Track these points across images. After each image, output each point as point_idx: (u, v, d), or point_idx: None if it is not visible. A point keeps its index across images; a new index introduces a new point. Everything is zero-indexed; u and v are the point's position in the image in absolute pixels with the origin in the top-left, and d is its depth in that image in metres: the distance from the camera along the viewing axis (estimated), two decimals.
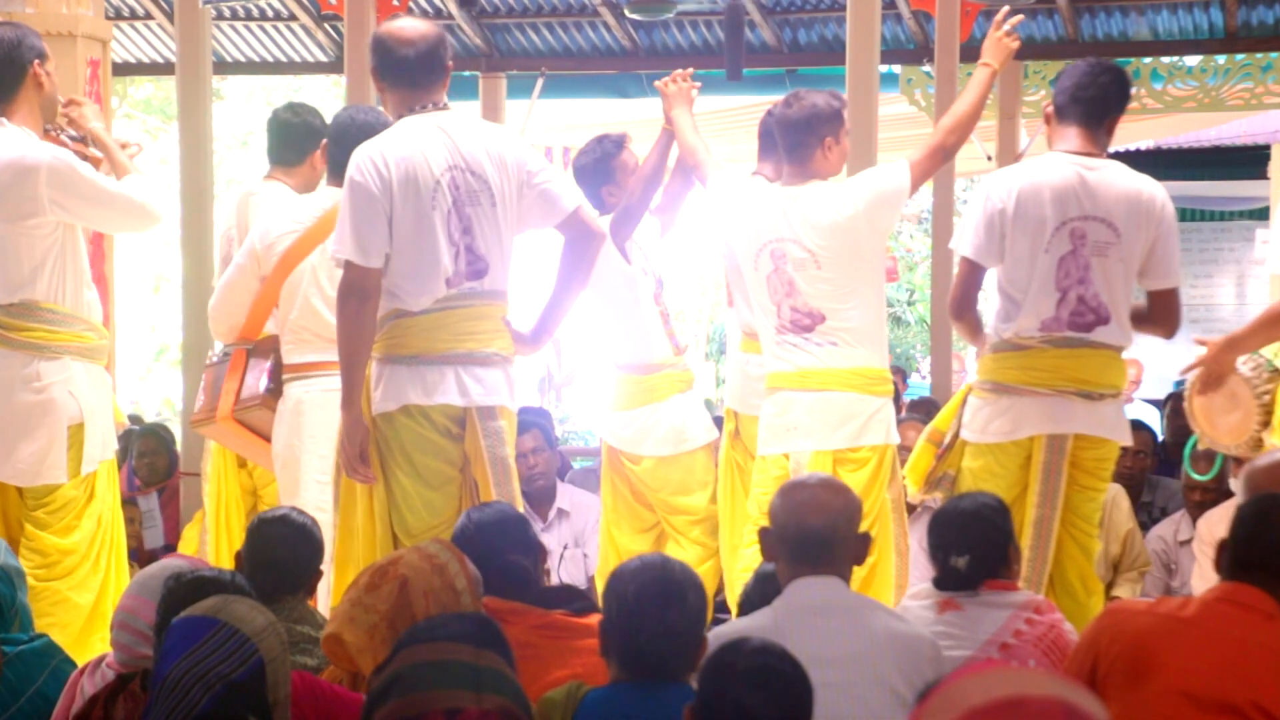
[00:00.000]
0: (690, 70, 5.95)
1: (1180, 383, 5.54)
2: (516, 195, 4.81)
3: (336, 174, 5.21)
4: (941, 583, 4.27)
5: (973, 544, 4.28)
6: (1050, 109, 5.13)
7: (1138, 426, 6.97)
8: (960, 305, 5.17)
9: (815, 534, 3.68)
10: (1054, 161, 5.04)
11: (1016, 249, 4.99)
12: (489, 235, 4.76)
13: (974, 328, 5.21)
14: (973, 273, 5.10)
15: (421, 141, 4.76)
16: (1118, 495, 6.82)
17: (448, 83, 4.89)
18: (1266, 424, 5.21)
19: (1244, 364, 5.27)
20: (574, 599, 3.99)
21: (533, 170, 4.84)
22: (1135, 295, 5.11)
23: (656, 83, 6.00)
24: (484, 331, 4.79)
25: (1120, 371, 5.05)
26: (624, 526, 6.08)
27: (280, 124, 5.99)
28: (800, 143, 5.35)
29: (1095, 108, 5.05)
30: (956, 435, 5.18)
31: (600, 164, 6.06)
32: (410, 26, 4.88)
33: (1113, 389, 5.01)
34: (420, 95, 4.81)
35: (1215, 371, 5.23)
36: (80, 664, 4.09)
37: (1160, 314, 5.10)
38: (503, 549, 4.01)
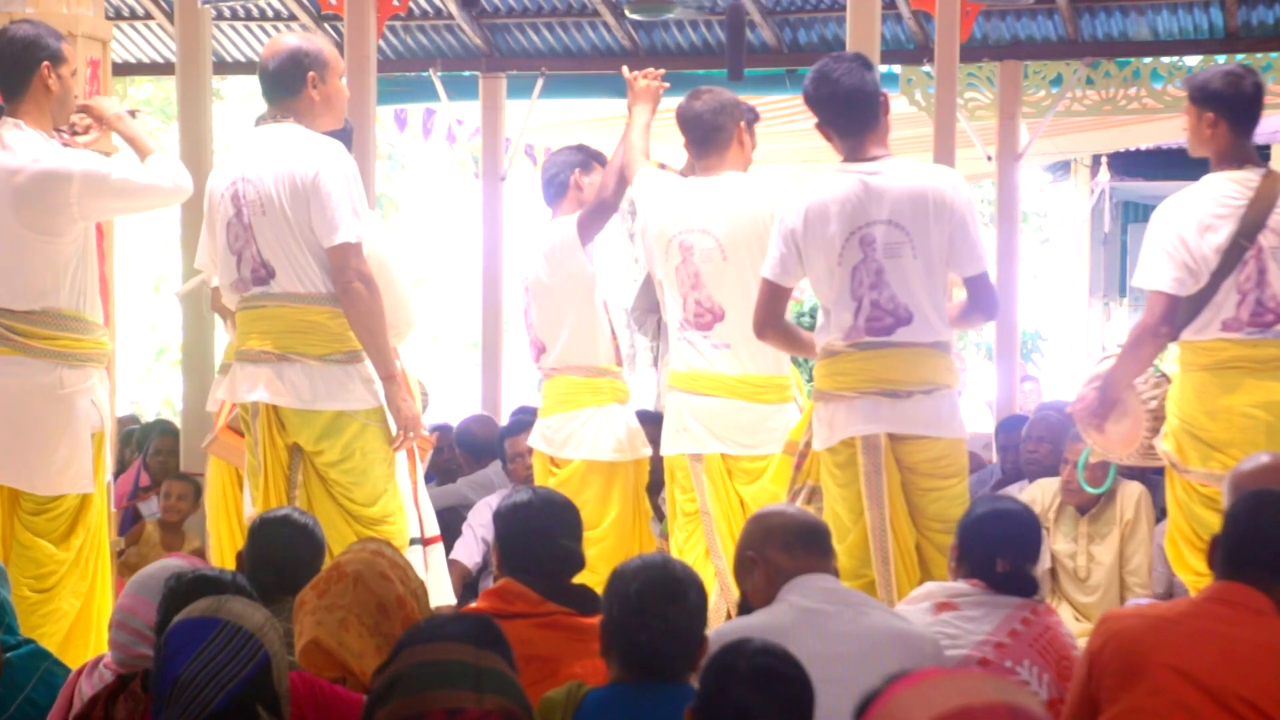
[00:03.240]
0: (662, 71, 5.95)
1: None
2: (304, 208, 4.95)
3: None
4: (1011, 588, 4.20)
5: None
6: (818, 124, 5.05)
7: None
8: (760, 325, 5.13)
9: (818, 529, 3.71)
10: (837, 175, 5.01)
11: (814, 267, 4.99)
12: (273, 243, 4.99)
13: (786, 342, 5.20)
14: (771, 292, 5.08)
15: (231, 155, 5.18)
16: (1142, 500, 6.75)
17: (302, 101, 5.09)
18: (1156, 430, 5.17)
19: None
20: (589, 600, 3.97)
21: (319, 192, 4.95)
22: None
23: (626, 74, 5.97)
24: (273, 332, 5.00)
25: (936, 367, 4.93)
26: None
27: None
28: (719, 127, 5.45)
29: (865, 112, 4.98)
30: (809, 445, 5.18)
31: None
32: (276, 42, 5.21)
33: (925, 385, 4.90)
34: (271, 109, 5.12)
35: (1104, 412, 5.25)
36: (67, 667, 4.09)
37: (974, 299, 5.04)
38: (555, 532, 4.02)
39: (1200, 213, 5.04)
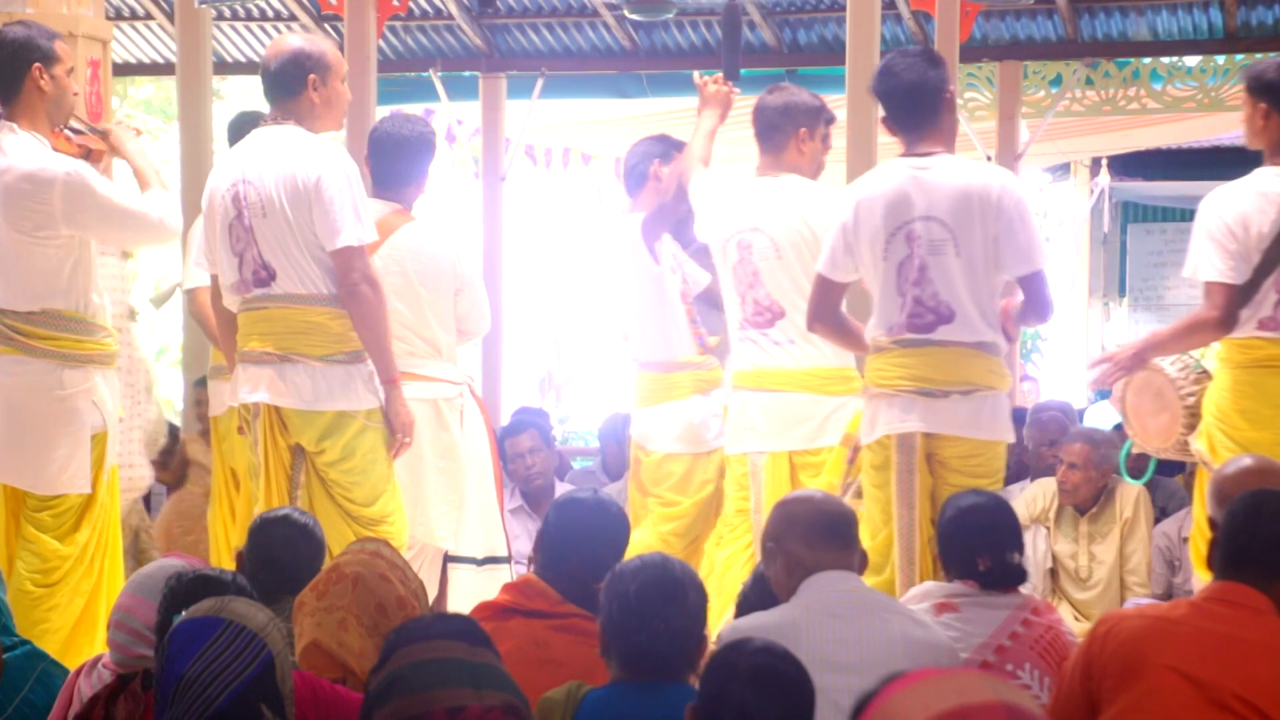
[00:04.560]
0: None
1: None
2: (306, 211, 4.96)
3: (377, 184, 5.49)
4: (999, 582, 4.20)
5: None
6: (883, 118, 5.06)
7: None
8: (811, 318, 5.15)
9: (840, 520, 3.72)
10: (888, 168, 5.01)
11: (863, 261, 4.99)
12: (274, 245, 5.00)
13: (839, 337, 5.20)
14: (824, 286, 5.08)
15: (230, 156, 5.18)
16: (1140, 500, 6.75)
17: (302, 103, 5.08)
18: (1192, 427, 5.14)
19: (1171, 364, 5.21)
20: None
21: (321, 195, 4.95)
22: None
23: (696, 79, 6.04)
24: (275, 333, 5.00)
25: (977, 368, 4.89)
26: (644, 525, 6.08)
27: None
28: (776, 126, 5.44)
29: (922, 108, 4.96)
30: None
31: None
32: (279, 42, 5.20)
33: (963, 385, 4.87)
34: (273, 110, 5.12)
35: (1130, 368, 5.21)
36: (64, 668, 4.08)
37: (1026, 300, 4.98)
38: (595, 537, 4.01)
39: (1246, 205, 5.00)
